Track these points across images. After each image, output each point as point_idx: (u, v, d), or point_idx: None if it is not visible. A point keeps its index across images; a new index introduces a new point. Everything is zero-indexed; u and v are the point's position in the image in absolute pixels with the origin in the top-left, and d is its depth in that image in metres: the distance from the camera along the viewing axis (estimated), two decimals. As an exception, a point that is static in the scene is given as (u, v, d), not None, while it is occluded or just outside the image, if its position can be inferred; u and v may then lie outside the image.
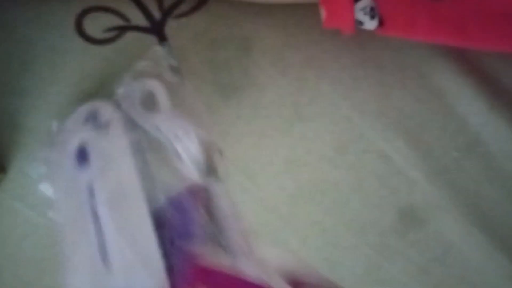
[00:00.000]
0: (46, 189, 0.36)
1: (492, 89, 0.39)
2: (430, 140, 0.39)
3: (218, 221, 0.34)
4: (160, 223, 0.33)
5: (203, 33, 0.39)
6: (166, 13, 0.39)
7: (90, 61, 0.38)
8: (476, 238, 0.38)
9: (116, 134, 0.34)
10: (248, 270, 0.28)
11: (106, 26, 0.38)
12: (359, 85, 0.39)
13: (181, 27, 0.39)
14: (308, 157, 0.39)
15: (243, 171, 0.38)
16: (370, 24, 0.35)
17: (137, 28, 0.39)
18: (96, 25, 0.38)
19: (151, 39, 0.39)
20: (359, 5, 0.34)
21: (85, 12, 0.38)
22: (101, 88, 0.36)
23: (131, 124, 0.34)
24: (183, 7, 0.39)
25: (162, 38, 0.39)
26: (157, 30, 0.39)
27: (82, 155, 0.34)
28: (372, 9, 0.34)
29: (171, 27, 0.39)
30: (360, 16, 0.35)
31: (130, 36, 0.39)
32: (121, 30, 0.39)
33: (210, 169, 0.34)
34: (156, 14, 0.39)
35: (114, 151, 0.34)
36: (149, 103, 0.35)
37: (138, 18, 0.39)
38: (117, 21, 0.39)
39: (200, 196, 0.34)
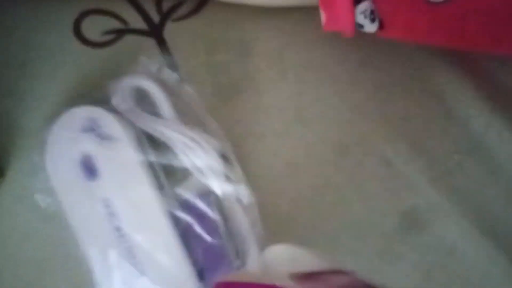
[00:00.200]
0: (42, 200, 0.36)
1: (493, 92, 0.39)
2: (432, 143, 0.39)
3: (233, 226, 0.34)
4: (180, 229, 0.33)
5: (202, 36, 0.39)
6: (165, 16, 0.39)
7: (89, 63, 0.38)
8: (479, 241, 0.37)
9: (125, 146, 0.34)
10: (262, 276, 0.27)
11: (105, 29, 0.38)
12: (360, 88, 0.39)
13: (180, 30, 0.39)
14: (309, 160, 0.38)
15: (243, 174, 0.37)
16: (371, 27, 0.35)
17: (136, 31, 0.39)
18: (95, 28, 0.38)
19: (150, 42, 0.39)
20: (359, 8, 0.34)
21: (84, 14, 0.38)
22: (94, 90, 0.36)
23: (137, 134, 0.34)
24: (182, 10, 0.39)
25: (160, 41, 0.38)
26: (155, 33, 0.39)
27: (87, 166, 0.34)
28: (372, 12, 0.34)
29: (170, 30, 0.39)
30: (361, 19, 0.34)
31: (128, 39, 0.38)
32: (120, 33, 0.38)
33: (225, 174, 0.34)
34: (155, 17, 0.39)
35: (126, 163, 0.34)
36: (147, 105, 0.35)
37: (136, 21, 0.39)
38: (116, 24, 0.38)
39: (215, 200, 0.34)
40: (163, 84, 0.35)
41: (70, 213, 0.35)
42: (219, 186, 0.34)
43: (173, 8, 0.39)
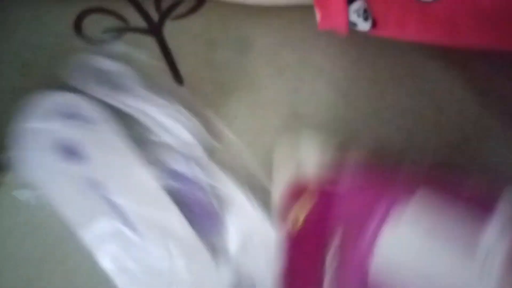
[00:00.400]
0: (20, 195, 0.36)
1: (481, 88, 0.40)
2: (423, 136, 0.40)
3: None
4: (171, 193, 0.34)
5: (201, 34, 0.39)
6: (164, 15, 0.39)
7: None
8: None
9: (107, 127, 0.34)
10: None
11: (105, 27, 0.39)
12: (354, 84, 0.40)
13: (179, 29, 0.39)
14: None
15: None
16: (364, 26, 0.36)
17: (136, 30, 0.39)
18: (95, 26, 0.38)
19: (150, 40, 0.39)
20: (353, 7, 0.35)
21: (84, 13, 0.38)
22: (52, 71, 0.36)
23: (119, 115, 0.35)
24: (181, 9, 0.39)
25: (160, 40, 0.39)
26: (155, 31, 0.39)
27: (68, 150, 0.34)
28: (365, 11, 0.35)
29: (169, 28, 0.39)
30: (354, 17, 0.35)
31: (128, 37, 0.39)
32: (120, 31, 0.39)
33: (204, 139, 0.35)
34: (154, 15, 0.39)
35: (111, 143, 0.34)
36: (116, 83, 0.35)
37: (136, 20, 0.39)
38: (116, 23, 0.39)
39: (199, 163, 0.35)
40: (126, 60, 0.36)
41: (58, 200, 0.35)
42: (196, 149, 0.35)
43: (172, 7, 0.39)
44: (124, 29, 0.39)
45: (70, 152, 0.34)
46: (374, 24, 0.35)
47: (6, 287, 0.37)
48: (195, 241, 0.35)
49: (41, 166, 0.34)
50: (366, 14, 0.35)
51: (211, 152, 0.36)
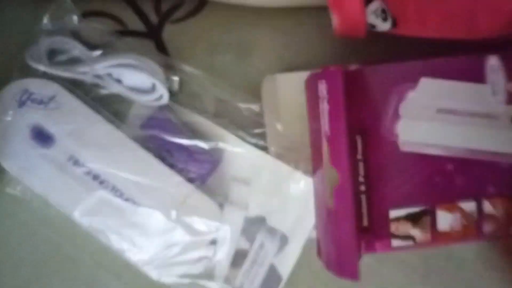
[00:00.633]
0: (13, 190, 0.36)
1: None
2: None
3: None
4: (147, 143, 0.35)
5: (201, 37, 0.38)
6: (163, 18, 0.38)
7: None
8: (476, 243, 0.37)
9: (65, 99, 0.35)
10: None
11: (104, 30, 0.38)
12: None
13: (179, 32, 0.38)
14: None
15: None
16: (383, 26, 0.35)
17: (134, 33, 0.38)
18: (93, 30, 0.38)
19: (149, 43, 0.38)
20: (370, 8, 0.34)
21: (83, 16, 0.38)
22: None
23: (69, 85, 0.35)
24: (181, 12, 0.39)
25: (159, 43, 0.38)
26: (154, 35, 0.38)
27: (39, 136, 0.35)
28: (383, 11, 0.34)
29: (169, 32, 0.38)
30: (372, 19, 0.34)
31: (127, 40, 0.38)
32: (118, 34, 0.38)
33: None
34: (153, 18, 0.38)
35: (73, 114, 0.35)
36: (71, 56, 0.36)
37: (135, 23, 0.38)
38: (115, 26, 0.38)
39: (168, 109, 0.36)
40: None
41: (43, 189, 0.35)
42: (162, 95, 0.36)
43: (171, 10, 0.39)
44: (122, 32, 0.38)
45: (42, 136, 0.35)
46: (394, 24, 0.34)
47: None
48: (190, 190, 0.35)
49: (19, 157, 0.35)
50: (384, 14, 0.34)
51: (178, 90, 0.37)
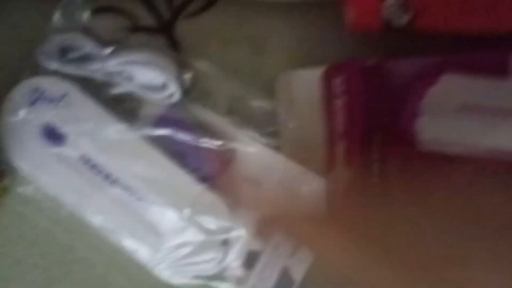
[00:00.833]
0: (25, 191, 0.36)
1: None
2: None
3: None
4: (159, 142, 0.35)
5: (213, 33, 0.38)
6: (176, 13, 0.38)
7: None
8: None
9: (77, 98, 0.34)
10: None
11: (115, 27, 0.38)
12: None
13: (192, 27, 0.38)
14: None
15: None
16: (401, 21, 0.34)
17: (146, 29, 0.38)
18: (105, 26, 0.37)
19: (161, 39, 0.38)
20: (388, 2, 0.33)
21: (94, 13, 0.37)
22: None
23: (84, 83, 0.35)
24: (193, 7, 0.38)
25: (171, 39, 0.38)
26: (166, 30, 0.38)
27: (51, 135, 0.34)
28: (401, 5, 0.33)
29: (181, 27, 0.38)
30: (390, 13, 0.33)
31: (139, 36, 0.38)
32: (130, 30, 0.38)
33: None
34: (166, 14, 0.38)
35: (85, 114, 0.34)
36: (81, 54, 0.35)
37: (147, 19, 0.38)
38: (126, 22, 0.38)
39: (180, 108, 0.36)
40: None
41: (54, 188, 0.35)
42: (173, 93, 0.35)
43: (184, 5, 0.38)
44: (134, 28, 0.38)
45: (53, 135, 0.34)
46: (413, 18, 0.33)
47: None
48: (201, 190, 0.35)
49: (30, 156, 0.34)
50: (402, 8, 0.33)
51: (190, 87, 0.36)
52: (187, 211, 0.34)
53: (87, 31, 0.36)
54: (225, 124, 0.36)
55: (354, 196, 0.29)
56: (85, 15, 0.36)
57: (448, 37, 0.35)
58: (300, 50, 0.38)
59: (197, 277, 0.35)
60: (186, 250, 0.35)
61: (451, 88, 0.33)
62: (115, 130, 0.35)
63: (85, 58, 0.35)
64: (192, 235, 0.34)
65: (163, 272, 0.35)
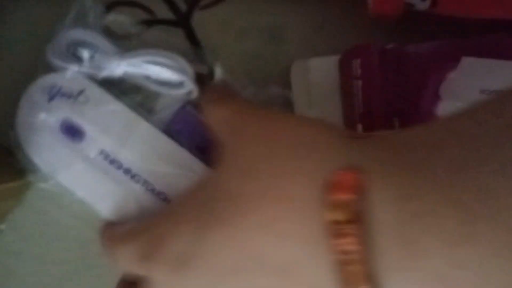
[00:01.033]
0: (46, 186, 0.35)
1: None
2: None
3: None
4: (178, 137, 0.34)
5: (230, 23, 0.37)
6: (192, 5, 0.38)
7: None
8: None
9: (98, 96, 0.34)
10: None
11: (131, 20, 0.37)
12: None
13: (208, 18, 0.38)
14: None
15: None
16: (422, 5, 0.33)
17: (163, 22, 0.38)
18: (122, 19, 0.37)
19: (178, 32, 0.38)
20: None
21: (110, 7, 0.37)
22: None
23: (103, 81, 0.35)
24: (210, -3, 0.38)
25: (188, 31, 0.37)
26: (183, 22, 0.38)
27: (69, 130, 0.34)
28: None
29: (198, 18, 0.38)
30: None
31: (156, 30, 0.38)
32: (147, 24, 0.37)
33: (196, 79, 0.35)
34: (182, 6, 0.38)
35: (109, 111, 0.34)
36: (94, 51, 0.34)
37: (163, 11, 0.38)
38: (143, 15, 0.38)
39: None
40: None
41: (74, 184, 0.34)
42: (191, 91, 0.35)
43: (200, -4, 0.38)
44: (151, 21, 0.38)
45: (72, 130, 0.34)
46: (434, 2, 0.33)
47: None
48: None
49: (50, 152, 0.34)
50: None
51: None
52: None
53: (100, 27, 0.36)
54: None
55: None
56: (99, 12, 0.36)
57: (468, 22, 0.34)
58: (317, 38, 0.37)
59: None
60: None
61: (470, 72, 0.33)
62: (134, 124, 0.34)
63: (98, 56, 0.35)
64: None
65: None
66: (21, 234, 0.37)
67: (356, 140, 0.23)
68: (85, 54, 0.35)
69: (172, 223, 0.27)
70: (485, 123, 0.19)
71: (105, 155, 0.34)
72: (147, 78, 0.35)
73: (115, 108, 0.34)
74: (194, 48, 0.37)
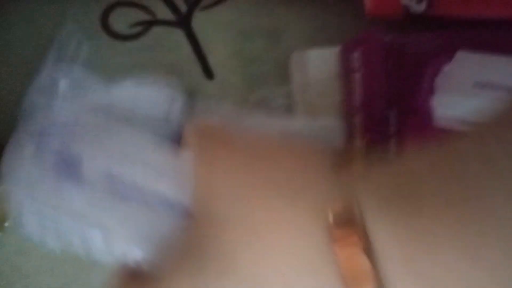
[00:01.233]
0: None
1: None
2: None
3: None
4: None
5: (230, 24, 0.38)
6: (192, 6, 0.38)
7: (117, 57, 0.37)
8: None
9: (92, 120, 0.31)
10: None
11: (132, 21, 0.38)
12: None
13: (209, 19, 0.38)
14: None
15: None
16: (418, 8, 0.34)
17: (164, 22, 0.38)
18: (122, 20, 0.38)
19: (178, 32, 0.38)
20: None
21: (111, 7, 0.38)
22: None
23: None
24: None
25: (189, 32, 0.38)
26: (183, 23, 0.38)
27: (64, 163, 0.31)
28: None
29: (198, 19, 0.38)
30: (406, 0, 0.34)
31: (156, 31, 0.38)
32: (147, 25, 0.38)
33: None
34: (182, 7, 0.38)
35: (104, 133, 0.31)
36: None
37: (164, 12, 0.38)
38: (143, 16, 0.38)
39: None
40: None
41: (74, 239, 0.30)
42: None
43: (200, -3, 0.38)
44: (151, 22, 0.38)
45: (67, 163, 0.31)
46: (430, 5, 0.34)
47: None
48: None
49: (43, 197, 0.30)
50: None
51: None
52: None
53: (83, 60, 0.35)
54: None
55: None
56: (81, 45, 0.34)
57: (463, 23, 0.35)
58: (317, 40, 0.38)
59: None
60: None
61: (466, 65, 0.33)
62: (131, 141, 0.33)
63: (82, 88, 0.32)
64: None
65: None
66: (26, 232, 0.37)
67: (348, 172, 0.22)
68: (68, 87, 0.32)
69: None
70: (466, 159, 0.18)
71: (107, 175, 0.32)
72: (133, 109, 0.33)
73: (111, 129, 0.32)
74: (194, 49, 0.37)
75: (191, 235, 0.25)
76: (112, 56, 0.38)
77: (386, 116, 0.33)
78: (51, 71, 0.33)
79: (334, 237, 0.19)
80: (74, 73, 0.33)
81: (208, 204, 0.24)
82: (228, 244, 0.22)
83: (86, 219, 0.30)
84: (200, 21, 0.38)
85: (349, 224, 0.19)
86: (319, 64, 0.35)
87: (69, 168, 0.31)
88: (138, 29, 0.38)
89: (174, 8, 0.38)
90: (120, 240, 0.30)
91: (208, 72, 0.38)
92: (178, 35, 0.38)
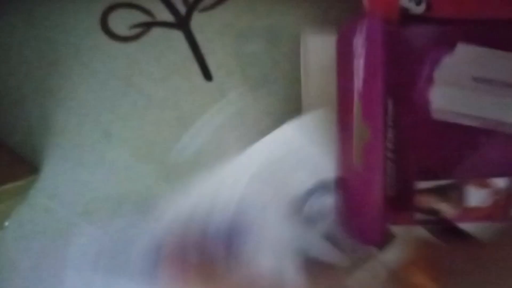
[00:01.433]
0: None
1: None
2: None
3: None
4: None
5: (229, 26, 0.38)
6: (192, 7, 0.38)
7: (117, 58, 0.37)
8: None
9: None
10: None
11: (132, 22, 0.38)
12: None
13: (207, 21, 0.38)
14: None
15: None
16: (417, 10, 0.34)
17: (163, 24, 0.38)
18: (122, 22, 0.38)
19: (177, 34, 0.38)
20: None
21: (110, 9, 0.38)
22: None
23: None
24: (208, 1, 0.38)
25: (187, 33, 0.38)
26: (182, 25, 0.38)
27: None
28: None
29: (197, 21, 0.38)
30: (405, 2, 0.34)
31: (155, 32, 0.38)
32: (147, 26, 0.38)
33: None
34: (181, 8, 0.38)
35: None
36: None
37: (163, 14, 0.38)
38: (143, 18, 0.38)
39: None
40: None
41: None
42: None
43: (199, -1, 0.38)
44: (151, 23, 0.38)
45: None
46: (429, 7, 0.34)
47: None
48: None
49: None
50: None
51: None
52: None
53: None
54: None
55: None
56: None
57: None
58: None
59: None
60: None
61: (465, 59, 0.33)
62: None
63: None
64: None
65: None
66: (25, 230, 0.37)
67: None
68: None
69: None
70: None
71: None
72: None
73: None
74: (193, 51, 0.37)
75: None
76: (111, 56, 0.38)
77: (384, 107, 0.32)
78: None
79: None
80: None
81: None
82: None
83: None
84: (199, 23, 0.38)
85: None
86: (317, 50, 0.35)
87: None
88: (137, 30, 0.38)
89: (173, 10, 0.38)
90: None
91: (206, 73, 0.38)
92: (177, 37, 0.38)
